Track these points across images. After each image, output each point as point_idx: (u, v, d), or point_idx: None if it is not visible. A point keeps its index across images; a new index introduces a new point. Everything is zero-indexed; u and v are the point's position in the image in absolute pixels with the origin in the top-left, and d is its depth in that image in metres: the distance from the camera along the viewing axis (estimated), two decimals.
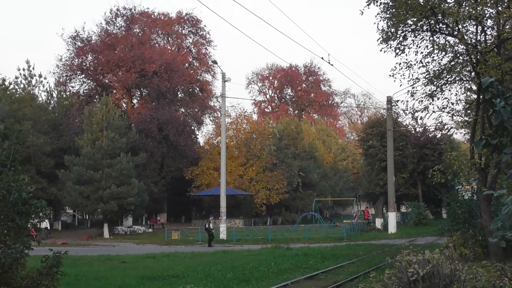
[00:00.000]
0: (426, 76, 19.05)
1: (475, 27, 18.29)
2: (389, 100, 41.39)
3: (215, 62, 55.54)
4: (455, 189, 25.62)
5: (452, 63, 18.75)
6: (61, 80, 61.47)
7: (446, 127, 26.25)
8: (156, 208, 61.18)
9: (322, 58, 36.75)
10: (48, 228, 43.05)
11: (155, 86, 59.66)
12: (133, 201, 45.78)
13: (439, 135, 49.70)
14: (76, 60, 61.66)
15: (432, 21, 17.88)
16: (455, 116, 23.00)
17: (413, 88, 19.57)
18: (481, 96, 17.31)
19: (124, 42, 61.94)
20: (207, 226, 35.41)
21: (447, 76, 19.12)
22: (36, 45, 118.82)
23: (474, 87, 19.69)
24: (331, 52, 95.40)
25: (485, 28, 18.41)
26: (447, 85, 19.56)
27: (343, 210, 78.91)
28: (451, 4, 17.33)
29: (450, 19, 17.49)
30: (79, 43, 61.73)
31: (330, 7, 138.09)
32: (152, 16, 67.90)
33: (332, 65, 35.66)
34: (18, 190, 9.53)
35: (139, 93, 65.14)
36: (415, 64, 19.30)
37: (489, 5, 17.54)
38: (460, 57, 18.62)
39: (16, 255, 9.47)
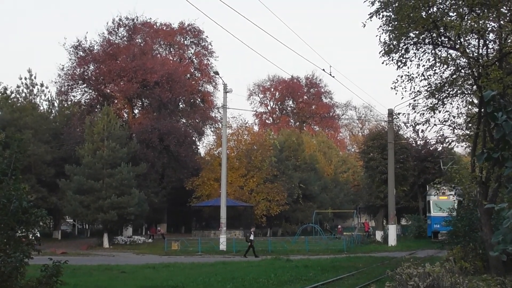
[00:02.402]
0: (428, 89, 19.08)
1: (477, 40, 18.34)
2: (390, 113, 41.44)
3: (216, 73, 55.32)
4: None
5: (454, 76, 18.77)
6: (62, 89, 61.59)
7: (447, 140, 26.27)
8: (156, 218, 61.02)
9: (324, 70, 37.02)
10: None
11: (156, 97, 59.82)
12: (133, 211, 45.71)
13: (440, 148, 49.65)
14: (78, 69, 61.82)
15: (434, 34, 17.94)
16: (456, 129, 23.02)
17: (414, 101, 19.60)
18: (482, 110, 17.30)
19: (126, 52, 62.06)
20: (249, 237, 35.36)
21: (449, 89, 19.14)
22: (38, 54, 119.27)
23: (476, 101, 19.72)
24: (333, 64, 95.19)
25: (487, 42, 18.47)
26: (448, 98, 19.58)
27: (344, 222, 78.79)
28: (453, 18, 17.39)
29: (452, 33, 17.53)
30: (81, 52, 61.89)
31: (332, 19, 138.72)
32: (154, 26, 68.12)
33: (333, 77, 35.98)
34: (19, 199, 9.54)
35: (140, 103, 65.25)
36: (416, 77, 19.34)
37: (491, 19, 17.61)
38: (462, 71, 18.65)
39: (16, 264, 9.46)
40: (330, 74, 44.21)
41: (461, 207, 25.73)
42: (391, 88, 20.01)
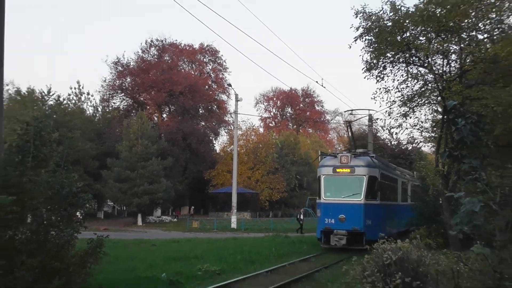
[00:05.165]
0: (401, 99, 19.00)
1: (442, 60, 18.28)
2: (370, 118, 41.33)
3: (229, 85, 55.94)
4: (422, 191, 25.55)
5: (423, 89, 18.71)
6: (104, 97, 62.10)
7: (416, 141, 26.14)
8: (180, 202, 61.25)
9: (317, 82, 37.09)
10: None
11: (180, 104, 60.01)
12: (161, 196, 46.05)
13: (410, 148, 49.42)
14: (117, 81, 62.23)
15: (407, 55, 17.89)
16: (424, 132, 22.88)
17: (390, 108, 19.51)
18: (445, 117, 17.26)
19: (156, 68, 62.30)
20: (298, 216, 35.43)
21: (418, 100, 19.08)
22: (85, 68, 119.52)
23: (440, 109, 19.63)
24: (324, 77, 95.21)
25: (450, 61, 18.40)
26: (418, 107, 19.50)
27: None
28: (423, 41, 17.34)
29: (422, 53, 17.49)
30: (119, 67, 62.26)
31: (325, 40, 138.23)
32: (179, 46, 68.13)
33: (324, 87, 36.10)
34: (69, 186, 9.58)
35: (167, 109, 65.31)
36: (392, 89, 19.27)
37: (453, 42, 17.55)
38: (429, 85, 18.58)
39: (67, 237, 9.50)
40: (322, 85, 44.17)
41: (371, 186, 20.12)
42: (371, 98, 20.30)
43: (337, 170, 20.33)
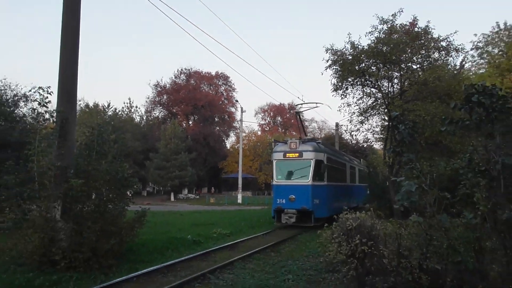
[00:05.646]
0: (359, 111, 18.94)
1: (387, 83, 18.22)
2: (337, 125, 41.41)
3: (237, 101, 57.22)
4: (374, 177, 25.40)
5: (374, 104, 18.64)
6: (148, 109, 62.13)
7: (369, 141, 26.09)
8: (201, 184, 61.19)
9: (298, 97, 36.86)
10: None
11: (202, 114, 60.07)
12: (188, 180, 46.00)
13: (365, 145, 49.43)
14: (157, 98, 62.19)
15: (363, 79, 17.82)
16: (375, 134, 22.93)
17: (351, 117, 19.44)
18: (390, 123, 17.21)
19: (185, 88, 62.30)
20: None
21: (371, 111, 19.00)
22: (134, 88, 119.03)
23: (386, 118, 19.57)
24: (304, 93, 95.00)
25: (393, 84, 18.35)
26: (370, 116, 19.42)
27: None
28: (374, 70, 17.28)
29: (373, 78, 17.44)
30: (159, 88, 62.35)
31: (305, 66, 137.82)
32: (201, 73, 68.01)
33: (304, 101, 35.60)
34: (122, 172, 9.52)
35: (193, 118, 65.17)
36: (352, 104, 19.19)
37: (395, 71, 17.51)
38: (378, 100, 18.51)
39: (120, 209, 9.45)
40: (302, 101, 44.06)
41: (320, 169, 16.67)
42: (338, 110, 20.31)
43: (287, 155, 16.84)
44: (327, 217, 15.42)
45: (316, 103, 18.36)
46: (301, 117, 18.24)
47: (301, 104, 19.65)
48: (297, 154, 16.70)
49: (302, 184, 16.24)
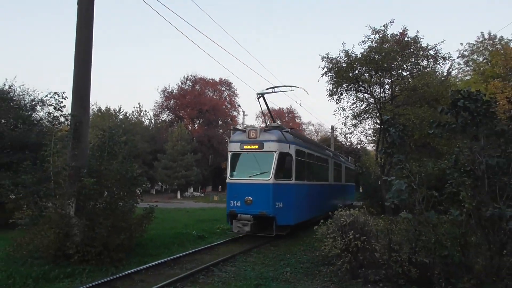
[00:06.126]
0: (352, 115, 18.99)
1: (379, 89, 18.27)
2: (332, 127, 41.44)
3: (239, 105, 57.26)
4: (367, 176, 25.35)
5: (367, 108, 18.69)
6: (156, 113, 62.05)
7: (362, 142, 26.13)
8: (205, 183, 61.07)
9: (296, 102, 37.14)
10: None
11: (206, 118, 60.02)
12: (193, 179, 45.97)
13: (359, 147, 49.41)
14: (165, 103, 62.25)
15: (356, 85, 17.85)
16: (368, 137, 22.96)
17: (345, 121, 19.53)
18: (382, 126, 17.22)
19: (190, 94, 62.26)
20: None
21: (364, 115, 19.04)
22: (143, 93, 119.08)
23: (378, 121, 19.60)
24: (302, 98, 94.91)
25: (385, 90, 18.38)
26: (363, 120, 19.49)
27: None
28: (366, 76, 17.31)
29: (366, 85, 17.47)
30: (166, 94, 62.39)
31: (303, 72, 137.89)
32: (206, 80, 68.10)
33: (301, 106, 35.76)
34: (132, 172, 9.51)
35: (198, 121, 65.15)
36: (346, 108, 19.26)
37: (387, 77, 17.53)
38: (371, 105, 18.55)
39: (130, 206, 9.44)
40: (300, 105, 44.05)
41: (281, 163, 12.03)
42: (333, 114, 20.43)
43: (245, 146, 12.59)
44: (296, 225, 12.25)
45: (290, 86, 13.56)
46: (266, 101, 13.90)
47: (272, 87, 14.18)
48: (257, 145, 12.20)
49: (262, 182, 11.76)
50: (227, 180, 12.75)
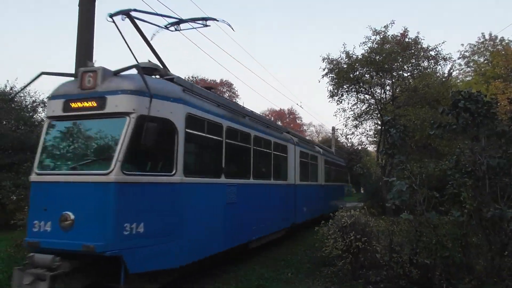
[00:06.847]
0: (353, 116, 19.01)
1: (380, 90, 18.29)
2: (333, 129, 41.57)
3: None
4: (368, 177, 25.33)
5: (367, 109, 18.71)
6: None
7: (363, 143, 26.17)
8: None
9: (297, 104, 37.10)
10: None
11: None
12: None
13: (360, 148, 49.44)
14: None
15: (357, 86, 17.87)
16: (369, 137, 22.96)
17: (346, 122, 19.55)
18: (382, 127, 17.24)
19: None
20: None
21: (365, 116, 19.06)
22: None
23: (379, 122, 19.61)
24: (303, 99, 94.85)
25: (385, 90, 18.40)
26: (364, 121, 19.51)
27: None
28: (367, 77, 17.33)
29: (367, 85, 17.49)
30: None
31: (303, 74, 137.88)
32: (207, 81, 68.24)
33: (302, 107, 35.98)
34: None
35: None
36: (347, 109, 19.31)
37: (387, 78, 17.56)
38: (372, 106, 18.57)
39: None
40: (301, 106, 44.22)
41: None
42: (334, 115, 20.36)
43: (72, 104, 5.05)
44: (185, 266, 5.91)
45: (206, 19, 7.78)
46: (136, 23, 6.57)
47: (178, 20, 7.85)
48: (95, 101, 5.06)
49: (93, 181, 4.80)
50: (31, 177, 5.32)
